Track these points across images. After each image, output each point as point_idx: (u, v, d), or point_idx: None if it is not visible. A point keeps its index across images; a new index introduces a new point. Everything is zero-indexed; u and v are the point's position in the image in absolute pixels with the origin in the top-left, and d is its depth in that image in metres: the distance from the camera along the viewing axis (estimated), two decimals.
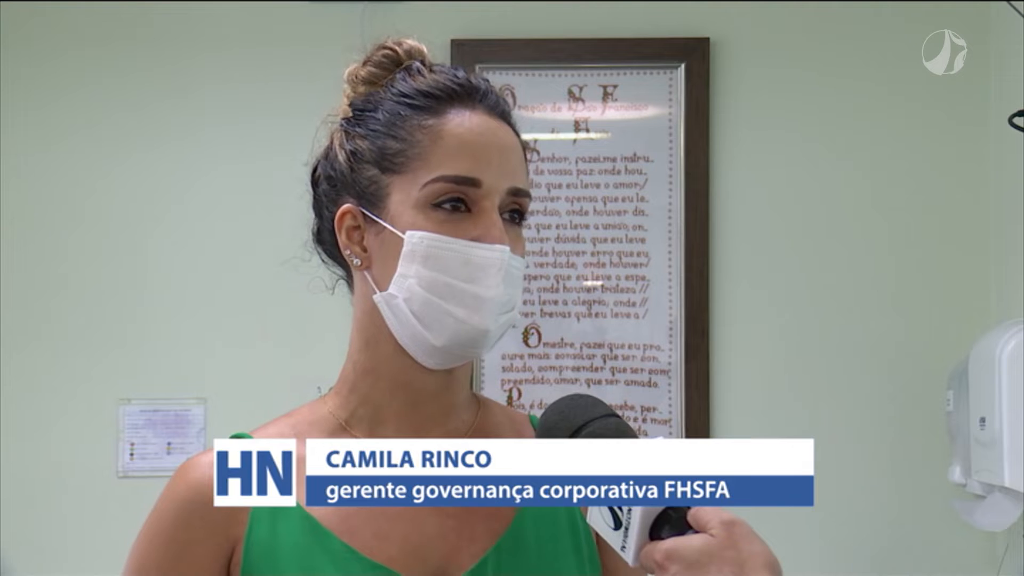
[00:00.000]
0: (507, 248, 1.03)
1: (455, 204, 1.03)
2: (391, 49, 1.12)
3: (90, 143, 2.65)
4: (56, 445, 2.60)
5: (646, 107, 2.64)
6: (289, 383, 2.43)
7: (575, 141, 2.64)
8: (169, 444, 2.61)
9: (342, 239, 1.08)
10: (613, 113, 2.65)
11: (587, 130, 2.65)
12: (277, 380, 2.53)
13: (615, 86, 2.65)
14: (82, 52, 2.66)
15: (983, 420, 2.14)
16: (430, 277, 1.02)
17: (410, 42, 1.12)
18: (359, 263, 1.07)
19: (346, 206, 1.07)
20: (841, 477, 2.57)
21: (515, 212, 1.07)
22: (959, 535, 2.50)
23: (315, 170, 1.14)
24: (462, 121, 1.05)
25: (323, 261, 1.16)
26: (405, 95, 1.07)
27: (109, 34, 2.66)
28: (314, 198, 1.14)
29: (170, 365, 2.62)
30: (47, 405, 2.60)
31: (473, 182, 1.03)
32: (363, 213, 1.06)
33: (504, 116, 1.09)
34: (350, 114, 1.11)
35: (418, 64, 1.10)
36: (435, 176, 1.02)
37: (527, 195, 1.07)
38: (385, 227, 1.04)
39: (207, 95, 2.66)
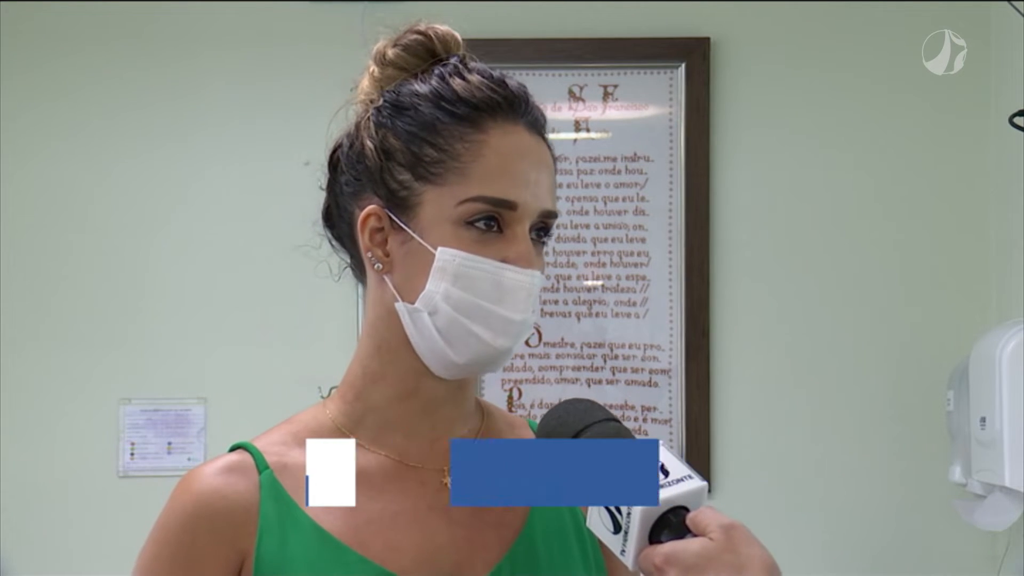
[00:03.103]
0: (538, 273, 1.02)
1: (488, 224, 1.01)
2: (423, 34, 1.08)
3: (90, 143, 2.65)
4: (57, 445, 2.60)
5: (646, 107, 2.64)
6: (289, 383, 2.44)
7: (575, 141, 2.64)
8: (170, 444, 2.61)
9: (364, 240, 1.05)
10: (613, 113, 2.65)
11: (587, 130, 2.65)
12: (278, 380, 2.53)
13: (615, 86, 2.64)
14: (82, 52, 2.66)
15: (983, 420, 2.13)
16: (459, 296, 1.00)
17: (442, 28, 1.08)
18: (381, 267, 1.04)
19: (372, 207, 1.04)
20: (842, 477, 2.58)
21: (541, 231, 1.05)
22: (959, 535, 2.50)
23: (335, 152, 1.10)
24: (504, 139, 1.02)
25: (331, 246, 1.13)
26: (445, 99, 1.03)
27: (109, 34, 2.66)
28: (330, 181, 1.11)
29: (170, 365, 2.62)
30: (47, 405, 2.60)
31: (510, 205, 1.01)
32: (389, 217, 1.03)
33: (542, 132, 1.07)
34: (380, 102, 1.07)
35: (457, 63, 1.06)
36: (474, 195, 1.00)
37: (556, 215, 1.06)
38: (414, 237, 1.02)
39: (207, 95, 2.66)
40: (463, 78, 1.04)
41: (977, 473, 2.20)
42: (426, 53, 1.07)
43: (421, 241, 1.01)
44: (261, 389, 2.54)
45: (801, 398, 2.60)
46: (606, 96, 2.65)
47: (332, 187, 1.11)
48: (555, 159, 1.09)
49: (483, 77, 1.05)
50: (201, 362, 2.62)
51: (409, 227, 1.02)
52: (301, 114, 2.57)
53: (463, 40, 1.10)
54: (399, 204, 1.03)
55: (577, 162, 2.63)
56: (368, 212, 1.04)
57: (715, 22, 2.64)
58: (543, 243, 1.06)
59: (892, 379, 2.59)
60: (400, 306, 1.03)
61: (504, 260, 1.01)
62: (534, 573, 1.06)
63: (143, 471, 2.60)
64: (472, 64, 1.07)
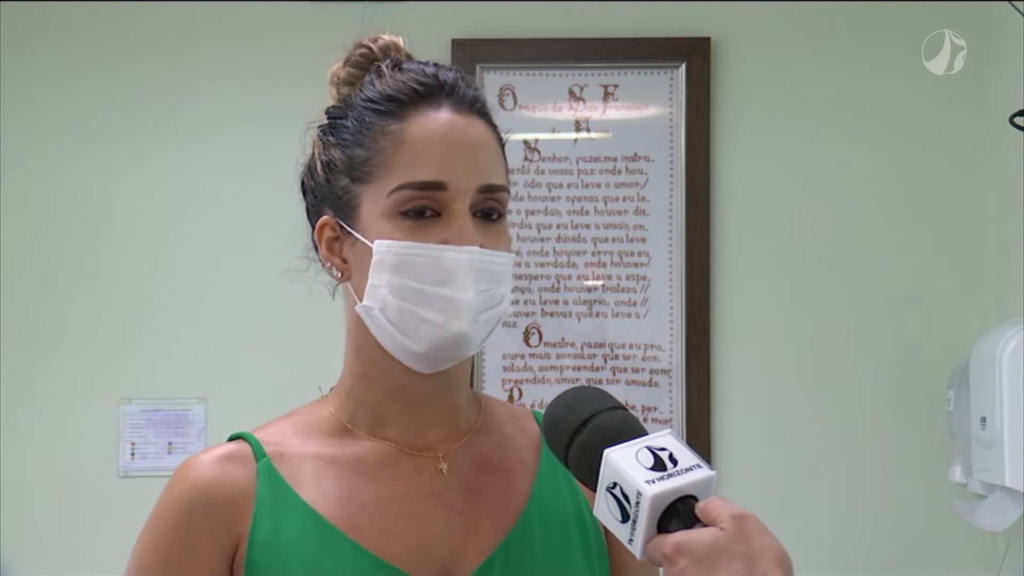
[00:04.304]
0: (476, 248, 1.01)
1: (422, 210, 1.01)
2: (367, 47, 1.10)
3: (90, 143, 2.65)
4: (56, 445, 2.60)
5: (647, 107, 2.64)
6: (289, 382, 2.42)
7: (576, 141, 2.64)
8: (170, 444, 2.61)
9: (323, 251, 1.08)
10: (614, 113, 2.64)
11: (588, 130, 2.65)
12: (277, 380, 2.52)
13: (616, 86, 2.64)
14: (82, 52, 2.66)
15: (984, 420, 2.13)
16: (401, 284, 1.00)
17: (386, 38, 1.11)
18: (340, 275, 1.07)
19: (324, 218, 1.07)
20: (842, 477, 2.58)
21: (491, 209, 1.04)
22: (960, 535, 2.50)
23: (303, 179, 1.13)
24: (424, 123, 1.03)
25: (322, 267, 1.14)
26: (371, 100, 1.05)
27: (109, 34, 2.66)
28: (305, 207, 1.14)
29: (170, 365, 2.62)
30: (47, 405, 2.60)
31: (438, 186, 1.01)
32: (340, 224, 1.06)
33: (475, 109, 1.06)
34: (325, 121, 1.10)
35: (386, 65, 1.08)
36: (398, 184, 1.01)
37: (502, 189, 1.05)
38: (358, 238, 1.03)
39: (207, 94, 2.66)
40: (387, 76, 1.06)
41: (977, 473, 2.20)
42: (369, 64, 1.10)
43: (363, 239, 1.03)
44: (261, 389, 2.53)
45: (801, 398, 2.60)
46: (606, 96, 2.65)
47: (307, 212, 1.13)
48: (499, 134, 1.08)
49: (409, 71, 1.06)
50: (201, 362, 2.62)
51: (354, 229, 1.04)
52: (301, 114, 2.55)
53: (404, 45, 1.11)
54: (343, 210, 1.05)
55: (577, 162, 2.63)
56: (321, 223, 1.07)
57: (715, 22, 2.64)
58: (495, 220, 1.05)
59: (892, 379, 2.59)
60: (359, 307, 1.04)
61: (443, 242, 1.01)
62: (529, 561, 1.06)
63: (143, 471, 2.60)
64: (406, 64, 1.08)
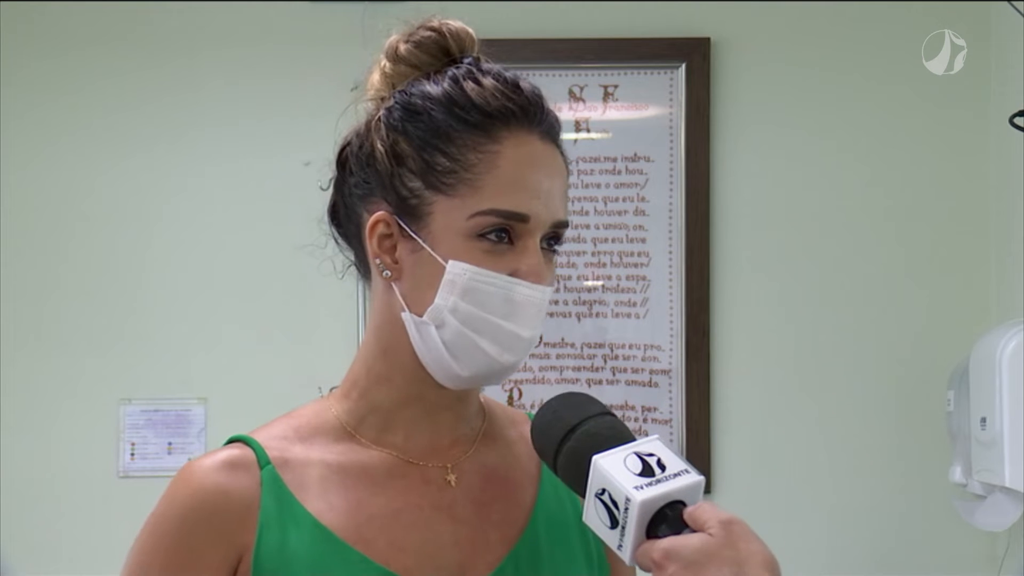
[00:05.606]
0: (549, 289, 1.01)
1: (500, 235, 0.99)
2: (436, 31, 1.06)
3: (90, 143, 2.65)
4: (56, 445, 2.60)
5: (647, 107, 2.64)
6: (289, 382, 2.43)
7: (576, 141, 2.64)
8: (170, 444, 2.61)
9: (373, 246, 1.03)
10: (614, 113, 2.64)
11: (588, 130, 2.65)
12: (277, 380, 2.53)
13: (616, 86, 2.64)
14: (82, 52, 2.66)
15: (984, 420, 2.13)
16: (467, 311, 0.99)
17: (456, 24, 1.07)
18: (389, 274, 1.03)
19: (381, 213, 1.02)
20: (842, 477, 2.58)
21: (553, 240, 1.04)
22: (960, 535, 2.50)
23: (343, 150, 1.08)
24: (518, 150, 1.00)
25: (336, 242, 1.11)
26: (458, 105, 1.01)
27: (109, 34, 2.66)
28: (338, 179, 1.09)
29: (170, 365, 2.62)
30: (47, 405, 2.60)
31: (522, 218, 0.99)
32: (399, 224, 1.02)
33: (556, 140, 1.05)
34: (391, 103, 1.04)
35: (471, 66, 1.04)
36: (485, 208, 0.98)
37: (567, 224, 1.04)
38: (423, 247, 1.00)
39: (207, 95, 2.66)
40: (477, 83, 1.02)
41: (977, 473, 2.20)
42: (439, 51, 1.06)
43: (432, 252, 1.00)
44: (261, 389, 2.54)
45: (801, 398, 2.60)
46: (606, 96, 2.65)
47: (340, 186, 1.09)
48: (568, 164, 1.07)
49: (497, 81, 1.03)
50: (201, 362, 2.62)
51: (419, 236, 1.01)
52: (301, 114, 2.57)
53: (477, 37, 1.08)
54: (409, 212, 1.01)
55: (577, 162, 2.63)
56: (377, 219, 1.02)
57: (715, 22, 2.64)
58: (554, 252, 1.05)
59: (892, 379, 2.59)
60: (407, 317, 1.02)
61: (514, 273, 0.99)
62: (537, 571, 1.05)
63: (143, 471, 2.60)
64: (486, 66, 1.05)
